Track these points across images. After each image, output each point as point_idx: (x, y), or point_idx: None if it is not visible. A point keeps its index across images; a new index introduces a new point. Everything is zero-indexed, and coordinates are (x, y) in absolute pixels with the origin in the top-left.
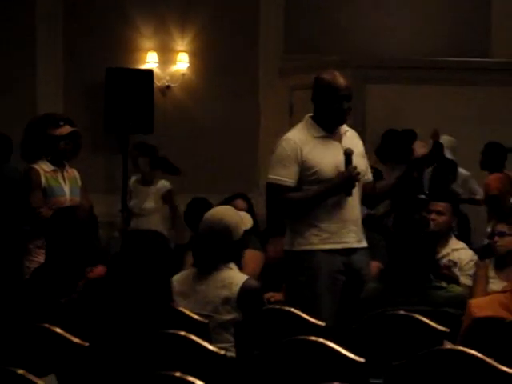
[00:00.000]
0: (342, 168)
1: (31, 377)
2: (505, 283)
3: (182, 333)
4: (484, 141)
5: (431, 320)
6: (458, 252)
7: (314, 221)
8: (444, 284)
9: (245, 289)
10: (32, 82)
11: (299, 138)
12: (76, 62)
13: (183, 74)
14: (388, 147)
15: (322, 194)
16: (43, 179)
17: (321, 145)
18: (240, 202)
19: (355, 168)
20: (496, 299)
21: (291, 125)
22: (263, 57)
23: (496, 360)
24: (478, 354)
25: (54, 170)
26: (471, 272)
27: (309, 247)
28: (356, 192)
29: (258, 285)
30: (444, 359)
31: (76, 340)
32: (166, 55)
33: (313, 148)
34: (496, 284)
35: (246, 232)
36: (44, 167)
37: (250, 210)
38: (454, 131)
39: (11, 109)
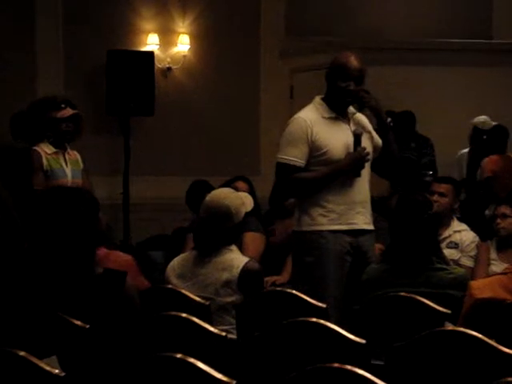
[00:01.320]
0: (351, 149)
1: (32, 358)
2: (506, 265)
3: (184, 315)
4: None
5: (432, 301)
6: (460, 234)
7: (322, 201)
8: (445, 266)
9: (245, 271)
10: (33, 65)
11: (310, 118)
12: (77, 45)
13: (184, 56)
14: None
15: (331, 174)
16: (45, 161)
17: (330, 126)
18: (241, 184)
19: (364, 149)
20: (497, 281)
21: (292, 107)
22: (264, 39)
23: (497, 341)
24: (479, 335)
25: (55, 153)
26: (473, 253)
27: (316, 227)
28: (365, 173)
29: (258, 267)
30: (445, 340)
31: (77, 322)
32: (167, 37)
33: (322, 128)
34: (497, 266)
35: (247, 214)
36: (45, 149)
37: (251, 192)
38: (455, 112)
39: (12, 92)
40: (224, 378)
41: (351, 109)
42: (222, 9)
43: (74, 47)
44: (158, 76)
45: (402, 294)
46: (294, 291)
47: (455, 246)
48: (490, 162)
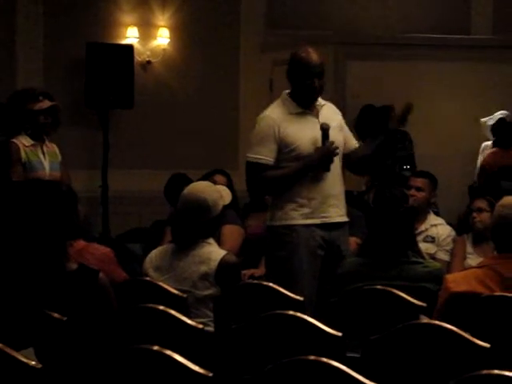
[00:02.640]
0: (320, 143)
1: (9, 350)
2: (481, 258)
3: (161, 307)
4: (465, 117)
5: (408, 295)
6: (436, 228)
7: (294, 196)
8: (421, 259)
9: (223, 264)
10: (12, 58)
11: (277, 116)
12: (56, 37)
13: (164, 49)
14: (365, 123)
15: (300, 170)
16: (23, 154)
17: (298, 121)
18: (219, 177)
19: (333, 143)
20: (472, 274)
21: (271, 100)
22: (244, 32)
23: (472, 334)
24: (454, 329)
25: (33, 145)
26: (449, 248)
27: (289, 222)
28: (336, 166)
29: (236, 260)
30: (420, 333)
31: (55, 314)
32: (147, 30)
33: (290, 124)
34: (473, 259)
35: (225, 207)
36: (24, 142)
37: (229, 186)
38: (433, 108)
39: None
40: (201, 371)
41: (320, 100)
42: (202, 2)
43: (53, 40)
44: (138, 69)
45: (378, 287)
46: (270, 284)
47: (431, 240)
48: (490, 154)
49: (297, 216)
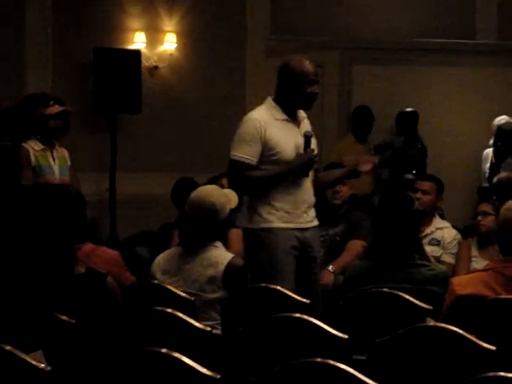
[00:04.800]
0: (301, 150)
1: (18, 353)
2: (487, 262)
3: (169, 310)
4: (468, 122)
5: (414, 298)
6: (442, 231)
7: (270, 200)
8: (427, 262)
9: (230, 267)
10: (20, 63)
11: (263, 119)
12: (64, 43)
13: (171, 54)
14: (360, 124)
15: (282, 173)
16: (33, 158)
17: (282, 127)
18: (226, 181)
19: (313, 150)
20: (478, 277)
21: None
22: (250, 38)
23: (477, 337)
24: (460, 331)
25: (43, 149)
26: (454, 251)
27: (266, 225)
28: (310, 174)
29: (243, 263)
30: (426, 336)
31: (63, 317)
32: (154, 35)
33: (275, 129)
34: (479, 263)
35: (232, 211)
36: (34, 146)
37: None
38: (439, 112)
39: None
40: (209, 373)
41: (302, 112)
42: (209, 7)
43: (61, 45)
44: (145, 74)
45: (385, 290)
46: (277, 287)
47: (437, 243)
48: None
49: (274, 219)
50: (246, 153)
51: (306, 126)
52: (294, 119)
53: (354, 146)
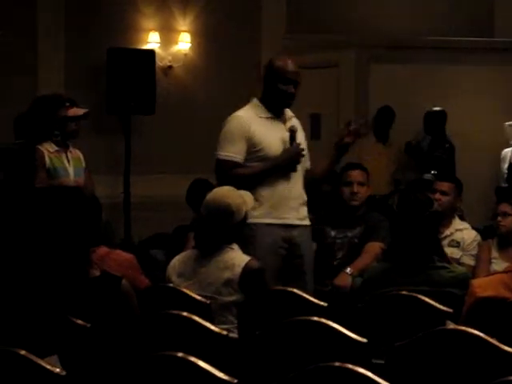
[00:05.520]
0: (287, 146)
1: (33, 357)
2: (507, 263)
3: (185, 313)
4: (487, 119)
5: (434, 300)
6: (462, 232)
7: (256, 195)
8: (447, 264)
9: (247, 270)
10: (33, 63)
11: (247, 117)
12: (77, 43)
13: (185, 54)
14: (382, 124)
15: (269, 169)
16: (47, 160)
17: (266, 124)
18: None
19: (299, 144)
20: (498, 279)
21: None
22: (266, 36)
23: (498, 340)
24: (481, 334)
25: (57, 151)
26: (474, 252)
27: (251, 220)
28: (299, 170)
29: (260, 265)
30: (446, 339)
31: (78, 321)
32: (168, 35)
33: (259, 126)
34: (498, 264)
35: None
36: (48, 148)
37: None
38: (458, 111)
39: (12, 90)
40: (225, 377)
41: (289, 111)
42: (223, 7)
43: (74, 46)
44: (159, 74)
45: (404, 292)
46: (295, 290)
47: (457, 244)
48: None
49: (257, 214)
50: (231, 151)
51: (293, 124)
52: (278, 117)
53: (375, 147)
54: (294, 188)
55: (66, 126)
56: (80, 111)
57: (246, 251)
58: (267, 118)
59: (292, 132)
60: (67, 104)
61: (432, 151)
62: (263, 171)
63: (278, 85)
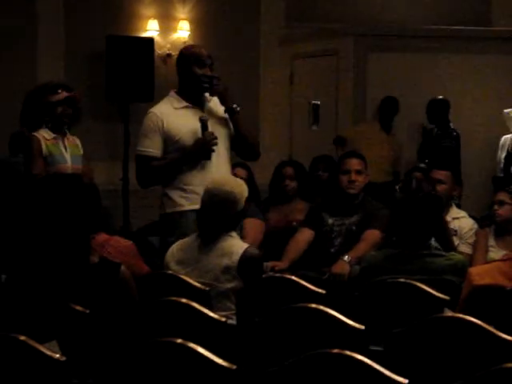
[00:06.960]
0: (200, 135)
1: (33, 343)
2: (504, 251)
3: (184, 300)
4: (484, 109)
5: (431, 288)
6: (459, 220)
7: (182, 184)
8: (444, 252)
9: (245, 257)
10: (33, 51)
11: (161, 111)
12: (76, 30)
13: (184, 42)
14: (387, 114)
15: (180, 159)
16: (44, 147)
17: (181, 115)
18: (240, 171)
19: (211, 133)
20: (496, 267)
21: (291, 93)
22: (264, 25)
23: (496, 327)
24: (478, 322)
25: (54, 138)
26: (471, 240)
27: (178, 209)
28: (222, 156)
29: (258, 253)
30: (444, 327)
31: (78, 307)
32: (167, 23)
33: (174, 118)
34: (495, 252)
35: (246, 200)
36: (45, 135)
37: (250, 179)
38: (456, 100)
39: (12, 79)
40: (224, 363)
41: (207, 96)
42: None
43: (73, 33)
44: (158, 62)
45: (401, 280)
46: (293, 277)
47: (454, 233)
48: None
49: (184, 203)
50: (147, 146)
51: (212, 106)
52: (197, 105)
53: (379, 134)
54: (215, 174)
55: (53, 111)
56: (64, 95)
57: (173, 239)
58: (182, 107)
59: (203, 121)
60: (59, 90)
61: (439, 140)
62: (175, 162)
63: (193, 69)
